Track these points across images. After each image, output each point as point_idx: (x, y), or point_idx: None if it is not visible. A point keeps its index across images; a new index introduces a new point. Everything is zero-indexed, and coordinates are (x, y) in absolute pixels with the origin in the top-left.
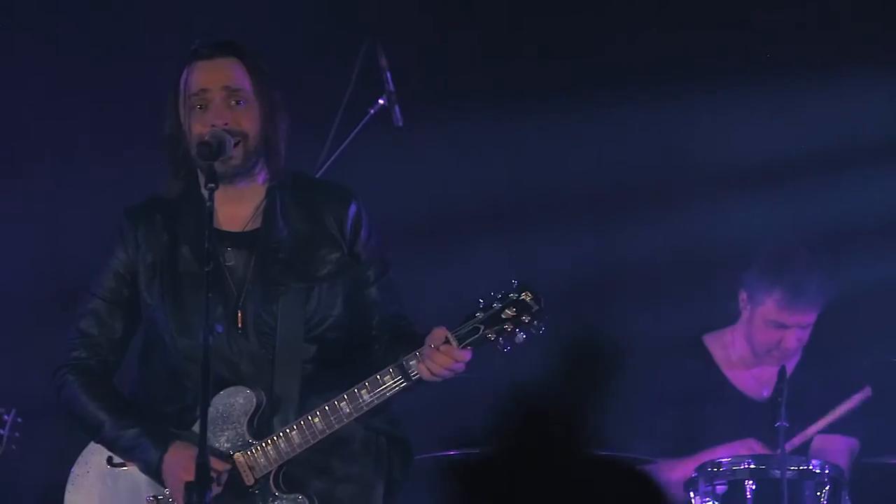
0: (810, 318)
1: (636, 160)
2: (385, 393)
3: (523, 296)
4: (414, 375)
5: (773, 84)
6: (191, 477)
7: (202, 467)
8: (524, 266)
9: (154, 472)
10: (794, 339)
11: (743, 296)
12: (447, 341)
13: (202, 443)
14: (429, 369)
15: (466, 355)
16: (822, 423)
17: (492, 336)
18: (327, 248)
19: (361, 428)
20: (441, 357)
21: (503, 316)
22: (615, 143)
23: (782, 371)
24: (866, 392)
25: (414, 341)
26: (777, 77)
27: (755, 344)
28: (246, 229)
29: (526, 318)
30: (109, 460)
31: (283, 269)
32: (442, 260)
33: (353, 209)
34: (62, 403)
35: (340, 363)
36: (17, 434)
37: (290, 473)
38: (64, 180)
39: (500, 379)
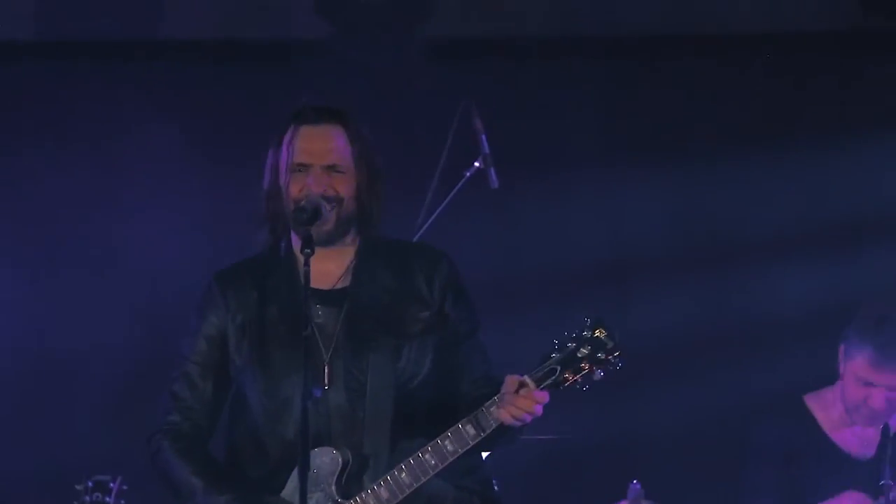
0: None
1: (741, 218)
2: (468, 442)
3: (597, 333)
4: (494, 422)
5: (838, 145)
6: None
7: None
8: (625, 325)
9: None
10: (883, 400)
11: (841, 349)
12: (524, 385)
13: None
14: (509, 413)
15: (544, 397)
16: None
17: (569, 376)
18: (416, 306)
19: (453, 488)
20: (520, 400)
21: (579, 355)
22: (715, 203)
23: (885, 428)
24: None
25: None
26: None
27: (846, 399)
28: (336, 287)
29: (601, 355)
30: None
31: (374, 325)
32: (540, 321)
33: (443, 269)
34: (157, 470)
35: (428, 421)
36: (122, 502)
37: None
38: (161, 246)
39: (590, 441)
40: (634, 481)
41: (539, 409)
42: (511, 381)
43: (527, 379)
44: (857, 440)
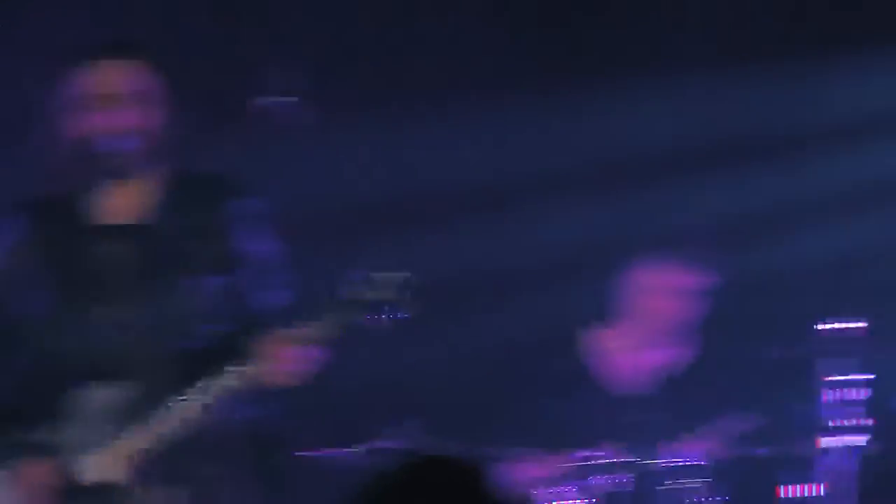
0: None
1: (514, 157)
2: (231, 384)
3: (378, 282)
4: (253, 376)
5: (676, 76)
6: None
7: (73, 479)
8: (416, 258)
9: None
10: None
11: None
12: (282, 340)
13: (70, 450)
14: (262, 372)
15: (302, 354)
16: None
17: (348, 322)
18: (207, 241)
19: (216, 426)
20: (273, 358)
21: (359, 302)
22: (503, 138)
23: (661, 367)
24: (755, 420)
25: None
26: (681, 69)
27: (637, 320)
28: (130, 221)
29: (383, 304)
30: None
31: (162, 261)
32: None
33: (235, 203)
34: None
35: (212, 358)
36: None
37: (157, 471)
38: None
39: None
40: (409, 418)
41: (293, 366)
42: (276, 337)
43: (281, 335)
44: (631, 373)
